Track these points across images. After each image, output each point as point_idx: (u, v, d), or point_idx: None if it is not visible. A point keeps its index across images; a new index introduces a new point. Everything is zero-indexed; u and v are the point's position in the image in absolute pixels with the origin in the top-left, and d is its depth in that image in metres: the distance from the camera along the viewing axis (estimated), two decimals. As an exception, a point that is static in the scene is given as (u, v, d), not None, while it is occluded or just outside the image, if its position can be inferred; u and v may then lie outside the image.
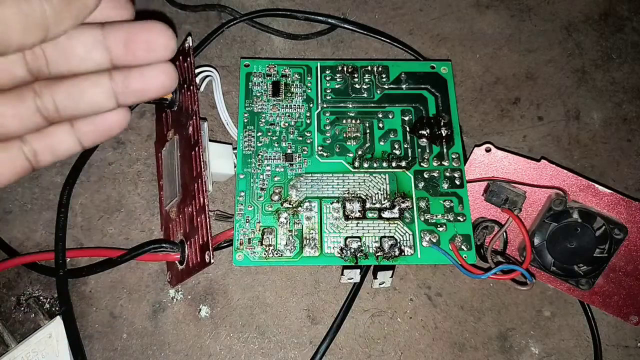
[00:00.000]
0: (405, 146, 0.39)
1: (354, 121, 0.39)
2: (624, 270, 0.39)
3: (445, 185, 0.37)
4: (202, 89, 0.44)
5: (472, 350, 0.40)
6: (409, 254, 0.35)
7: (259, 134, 0.38)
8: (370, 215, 0.36)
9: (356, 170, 0.37)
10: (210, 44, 0.47)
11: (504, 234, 0.39)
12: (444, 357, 0.40)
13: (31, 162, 0.21)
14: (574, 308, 0.41)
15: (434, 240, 0.35)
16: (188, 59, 0.38)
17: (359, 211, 0.36)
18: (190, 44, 0.38)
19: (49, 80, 0.20)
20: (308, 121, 0.39)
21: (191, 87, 0.37)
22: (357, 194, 0.37)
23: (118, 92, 0.21)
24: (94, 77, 0.20)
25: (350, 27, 0.48)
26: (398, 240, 0.35)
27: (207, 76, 0.42)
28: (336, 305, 0.40)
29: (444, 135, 0.39)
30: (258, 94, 0.40)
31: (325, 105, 0.40)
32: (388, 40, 0.47)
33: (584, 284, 0.39)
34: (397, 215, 0.36)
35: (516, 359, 0.40)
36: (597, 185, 0.38)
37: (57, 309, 0.39)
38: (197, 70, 0.40)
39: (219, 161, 0.39)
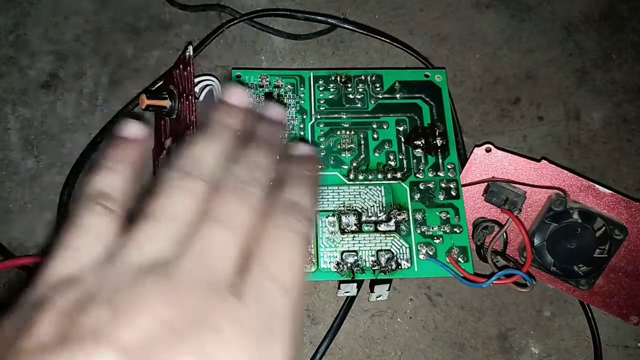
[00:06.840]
0: (401, 157, 0.38)
1: (348, 132, 0.39)
2: (624, 271, 0.39)
3: (441, 197, 0.37)
4: (201, 97, 0.43)
5: (472, 350, 0.40)
6: (406, 267, 0.35)
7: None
8: (366, 228, 0.36)
9: (351, 182, 0.37)
10: (210, 44, 0.47)
11: (504, 234, 0.39)
12: (444, 357, 0.40)
13: None
14: (574, 308, 0.41)
15: (431, 253, 0.35)
16: (188, 68, 0.37)
17: (355, 224, 0.36)
18: (191, 54, 0.37)
19: None
20: (302, 133, 0.38)
21: (190, 97, 0.37)
22: (352, 207, 0.36)
23: None
24: None
25: (350, 27, 0.48)
26: (395, 254, 0.35)
27: (207, 85, 0.42)
28: (336, 305, 0.40)
29: (439, 145, 0.38)
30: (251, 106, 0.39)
31: (319, 116, 0.39)
32: (388, 40, 0.47)
33: (584, 284, 0.39)
34: (393, 228, 0.36)
35: (516, 359, 0.40)
36: (597, 186, 0.38)
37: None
38: (198, 79, 0.40)
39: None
